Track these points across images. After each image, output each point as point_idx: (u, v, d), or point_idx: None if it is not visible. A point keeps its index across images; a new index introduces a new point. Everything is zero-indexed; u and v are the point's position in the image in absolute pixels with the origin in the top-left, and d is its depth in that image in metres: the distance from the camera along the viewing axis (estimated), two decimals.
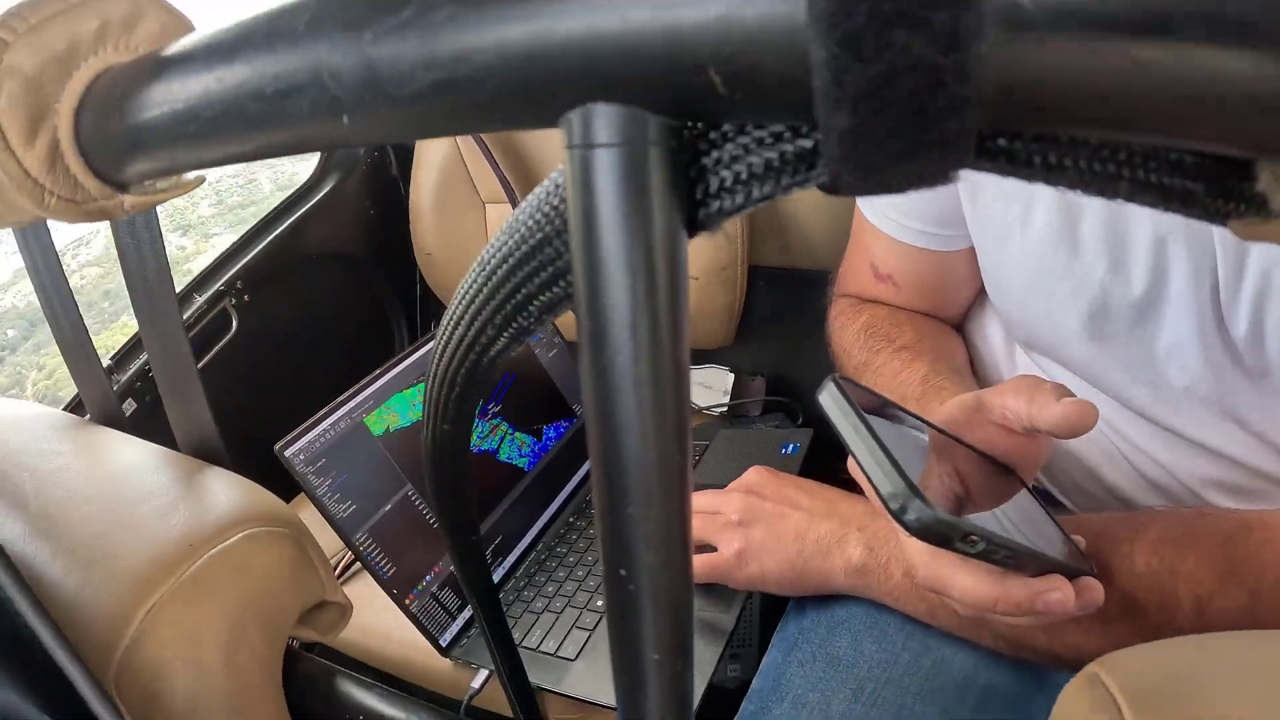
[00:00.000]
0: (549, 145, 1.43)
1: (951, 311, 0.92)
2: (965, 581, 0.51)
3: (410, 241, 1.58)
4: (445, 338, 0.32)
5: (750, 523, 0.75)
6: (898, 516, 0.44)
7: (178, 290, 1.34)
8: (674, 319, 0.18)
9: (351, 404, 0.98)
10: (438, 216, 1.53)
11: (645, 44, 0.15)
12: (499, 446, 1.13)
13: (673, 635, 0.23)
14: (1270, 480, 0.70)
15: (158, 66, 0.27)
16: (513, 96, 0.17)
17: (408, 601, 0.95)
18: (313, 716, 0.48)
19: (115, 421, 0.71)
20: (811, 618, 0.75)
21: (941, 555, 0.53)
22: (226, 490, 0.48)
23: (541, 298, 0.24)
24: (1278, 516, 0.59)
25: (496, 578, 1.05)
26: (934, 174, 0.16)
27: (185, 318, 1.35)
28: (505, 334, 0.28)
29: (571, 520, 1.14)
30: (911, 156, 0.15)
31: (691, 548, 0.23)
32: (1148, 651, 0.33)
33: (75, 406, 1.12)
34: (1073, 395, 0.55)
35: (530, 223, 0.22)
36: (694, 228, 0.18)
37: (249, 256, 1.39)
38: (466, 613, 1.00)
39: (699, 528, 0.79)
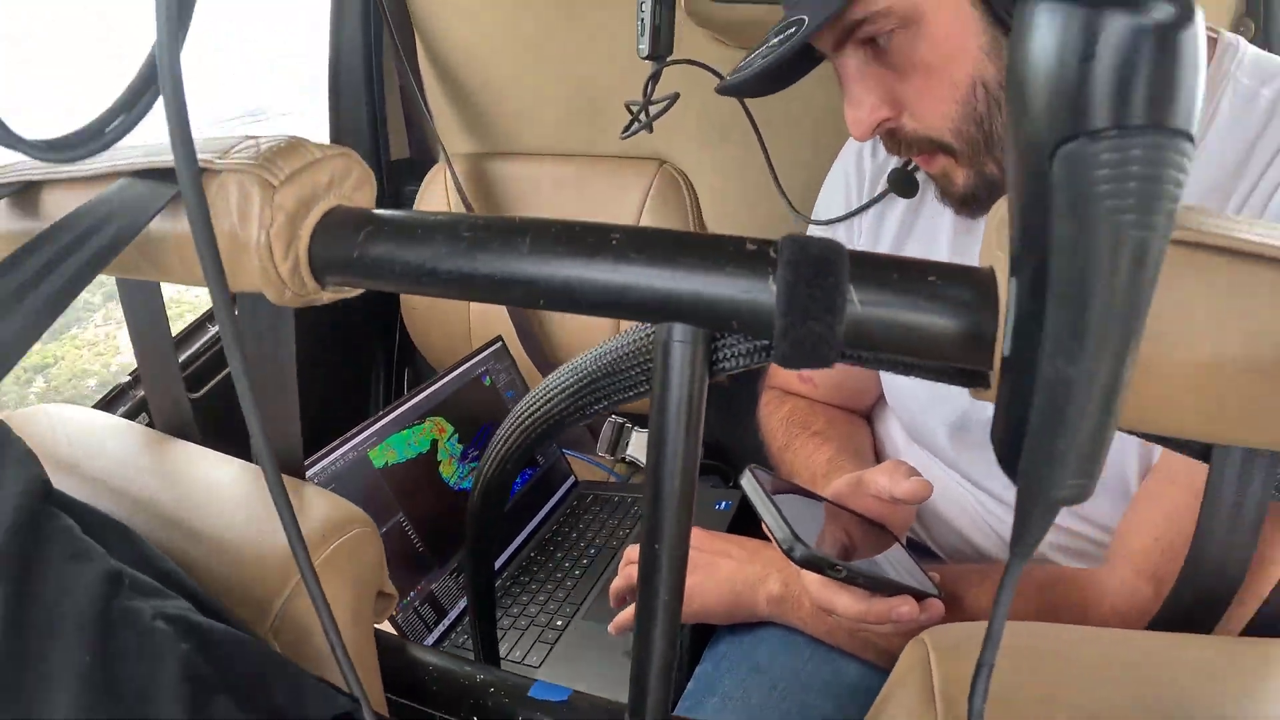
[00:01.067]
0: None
1: (860, 406, 1.14)
2: (844, 600, 0.71)
3: (398, 296, 1.76)
4: (533, 407, 0.52)
5: (693, 571, 0.95)
6: (788, 554, 0.65)
7: (186, 325, 1.49)
8: (699, 415, 0.38)
9: (359, 438, 1.15)
10: None
11: (706, 307, 0.35)
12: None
13: (675, 585, 0.43)
14: (1093, 543, 0.92)
15: (396, 228, 0.45)
16: (638, 311, 0.37)
17: (394, 614, 1.12)
18: (390, 674, 0.65)
19: (189, 435, 0.86)
20: (738, 636, 0.95)
21: (828, 584, 0.73)
22: (324, 498, 0.65)
23: (617, 395, 0.44)
24: (1080, 574, 0.81)
25: (456, 626, 1.22)
26: (823, 364, 0.36)
27: (195, 348, 1.50)
28: (581, 411, 0.48)
29: (533, 555, 1.32)
30: (813, 359, 0.35)
31: (688, 536, 0.42)
32: (959, 627, 0.52)
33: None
34: (919, 476, 0.77)
35: (623, 353, 0.42)
36: (710, 376, 0.39)
37: None
38: (441, 627, 1.17)
39: None
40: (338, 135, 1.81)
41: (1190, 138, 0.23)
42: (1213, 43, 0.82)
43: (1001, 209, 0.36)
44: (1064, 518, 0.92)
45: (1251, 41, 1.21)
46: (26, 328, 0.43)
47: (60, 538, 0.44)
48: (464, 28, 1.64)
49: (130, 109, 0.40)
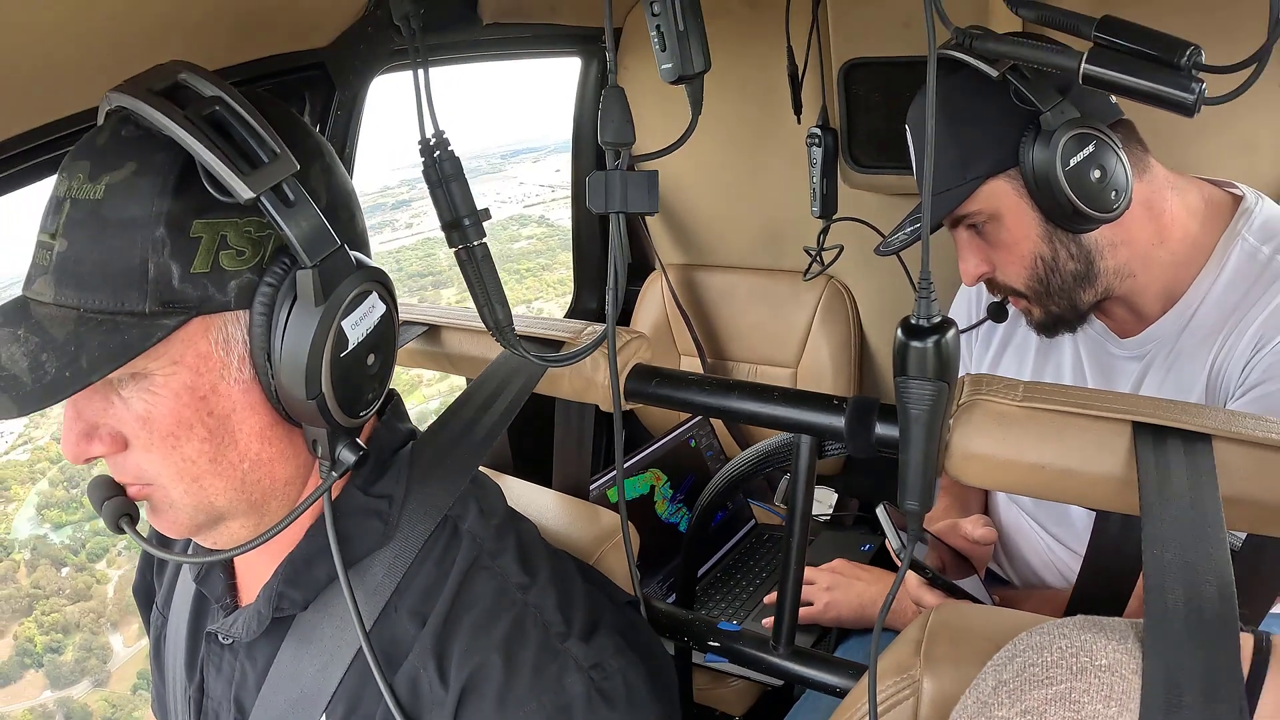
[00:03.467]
0: (731, 319, 2.12)
1: None
2: (928, 596, 1.13)
3: None
4: (737, 464, 0.98)
5: (833, 589, 1.40)
6: (898, 555, 1.07)
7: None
8: (814, 475, 0.83)
9: (600, 480, 1.64)
10: None
11: (816, 429, 0.81)
12: (680, 521, 1.77)
13: (796, 586, 0.87)
14: None
15: (674, 380, 0.94)
16: (787, 428, 0.83)
17: None
18: None
19: (506, 469, 1.34)
20: (862, 635, 1.37)
21: (923, 584, 1.14)
22: (608, 514, 1.12)
23: (776, 464, 0.89)
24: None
25: (671, 599, 1.67)
26: (869, 455, 0.80)
27: None
28: (757, 469, 0.94)
29: (719, 575, 1.76)
30: (864, 453, 0.80)
31: (808, 530, 0.87)
32: (955, 604, 0.92)
33: None
34: (990, 529, 1.17)
35: (779, 445, 0.88)
36: (820, 457, 0.83)
37: None
38: None
39: (805, 592, 1.42)
40: (578, 236, 2.33)
41: (947, 382, 0.66)
42: (1235, 202, 1.17)
43: None
44: None
45: None
46: (480, 442, 0.89)
47: (513, 514, 0.91)
48: (675, 166, 2.14)
49: (585, 352, 0.86)
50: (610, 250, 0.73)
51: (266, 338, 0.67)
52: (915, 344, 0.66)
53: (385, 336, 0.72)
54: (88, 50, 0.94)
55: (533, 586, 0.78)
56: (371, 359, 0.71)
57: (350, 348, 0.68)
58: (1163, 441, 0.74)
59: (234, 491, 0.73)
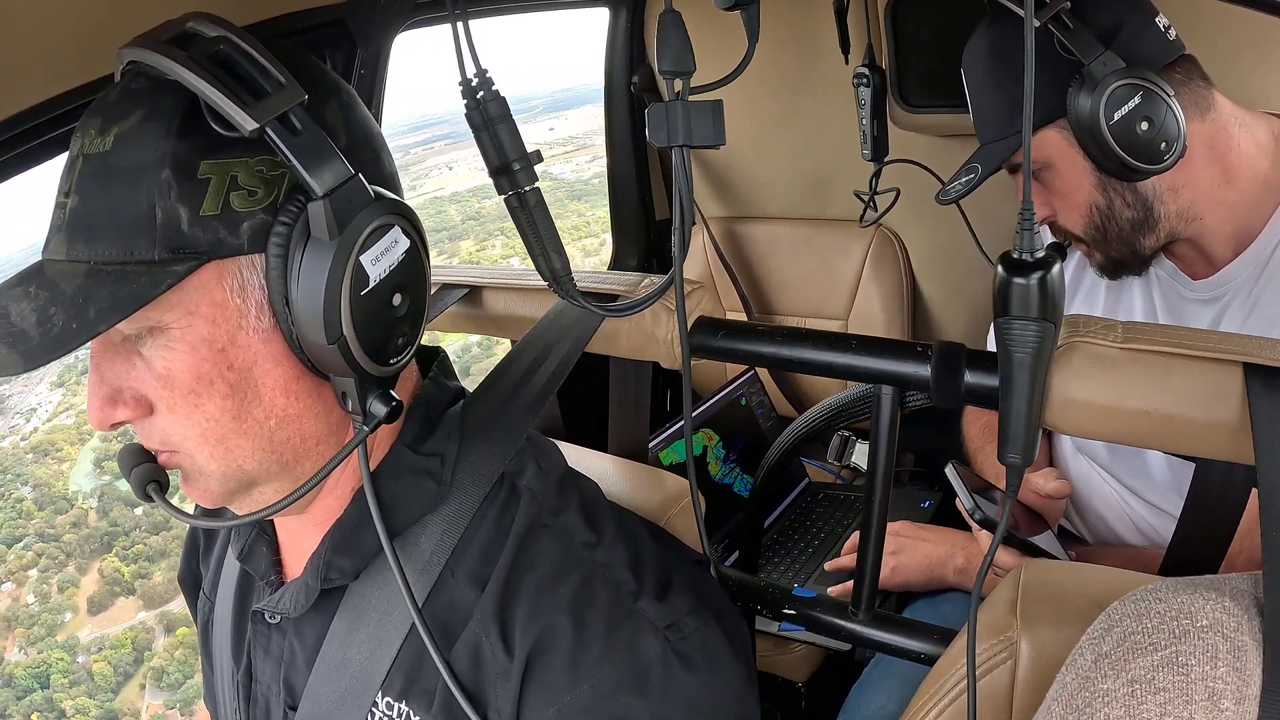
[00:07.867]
0: (777, 271, 2.05)
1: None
2: (1004, 556, 1.07)
3: None
4: (807, 420, 0.92)
5: (898, 552, 1.35)
6: (970, 515, 1.02)
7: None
8: (896, 429, 0.78)
9: (658, 439, 1.60)
10: None
11: (899, 378, 0.75)
12: (734, 482, 1.73)
13: (878, 549, 0.82)
14: None
15: (739, 331, 0.89)
16: (865, 378, 0.77)
17: None
18: None
19: (558, 434, 1.30)
20: (930, 596, 1.33)
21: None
22: (675, 479, 1.07)
23: (850, 419, 0.84)
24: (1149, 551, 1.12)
25: (729, 561, 1.63)
26: (956, 406, 0.74)
27: None
28: (830, 425, 0.88)
29: (775, 536, 1.72)
30: (950, 403, 0.74)
31: (890, 489, 0.81)
32: (1042, 561, 0.87)
33: None
34: (1064, 481, 1.11)
35: (856, 397, 0.82)
36: (901, 410, 0.78)
37: None
38: None
39: None
40: (614, 188, 2.26)
41: (1053, 321, 0.61)
42: None
43: None
44: None
45: None
46: (533, 401, 0.83)
47: (574, 472, 0.86)
48: None
49: (649, 299, 0.80)
50: (675, 187, 0.68)
51: (284, 281, 0.64)
52: (1018, 280, 0.60)
53: (412, 274, 0.68)
54: (102, 15, 0.89)
55: (600, 544, 0.74)
56: (398, 299, 0.67)
57: (371, 285, 0.64)
58: (1276, 385, 0.67)
59: (262, 452, 0.69)
